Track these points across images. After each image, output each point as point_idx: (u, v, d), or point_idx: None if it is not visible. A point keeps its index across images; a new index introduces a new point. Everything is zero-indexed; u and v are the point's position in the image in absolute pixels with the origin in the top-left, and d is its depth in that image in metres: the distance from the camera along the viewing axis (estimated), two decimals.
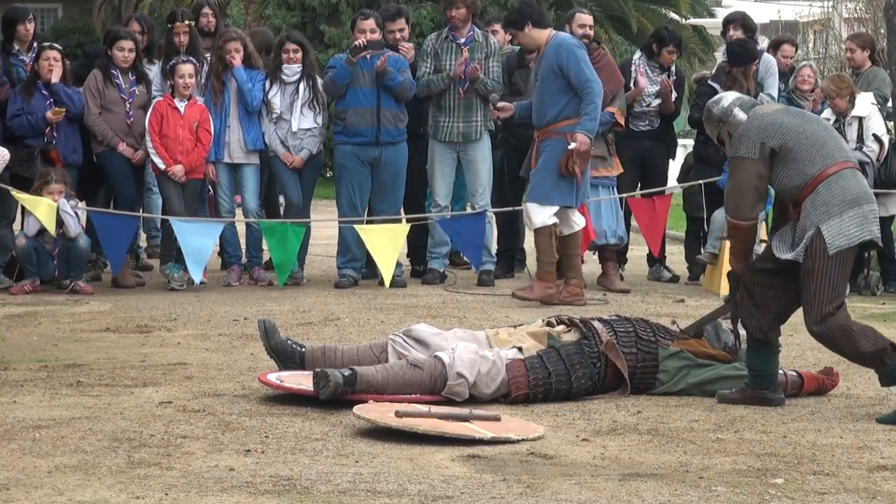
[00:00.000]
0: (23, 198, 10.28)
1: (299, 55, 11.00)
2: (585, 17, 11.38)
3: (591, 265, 11.51)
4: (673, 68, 11.74)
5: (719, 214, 11.16)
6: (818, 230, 6.35)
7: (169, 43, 11.28)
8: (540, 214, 9.97)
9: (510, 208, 11.60)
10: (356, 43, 10.74)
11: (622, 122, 11.12)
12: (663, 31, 12.05)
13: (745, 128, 6.59)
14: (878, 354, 6.35)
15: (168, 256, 10.93)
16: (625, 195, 11.20)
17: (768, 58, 12.00)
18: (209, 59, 11.07)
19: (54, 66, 10.64)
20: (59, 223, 10.37)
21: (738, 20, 12.05)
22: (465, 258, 11.87)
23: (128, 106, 10.87)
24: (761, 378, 6.64)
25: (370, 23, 10.85)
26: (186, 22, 11.22)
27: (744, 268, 6.68)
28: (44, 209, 10.17)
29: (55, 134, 10.67)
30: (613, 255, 11.29)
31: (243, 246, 11.41)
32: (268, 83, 10.97)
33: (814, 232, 6.36)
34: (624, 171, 11.31)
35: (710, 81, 11.69)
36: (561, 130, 9.93)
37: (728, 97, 6.86)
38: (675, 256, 12.75)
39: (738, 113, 6.72)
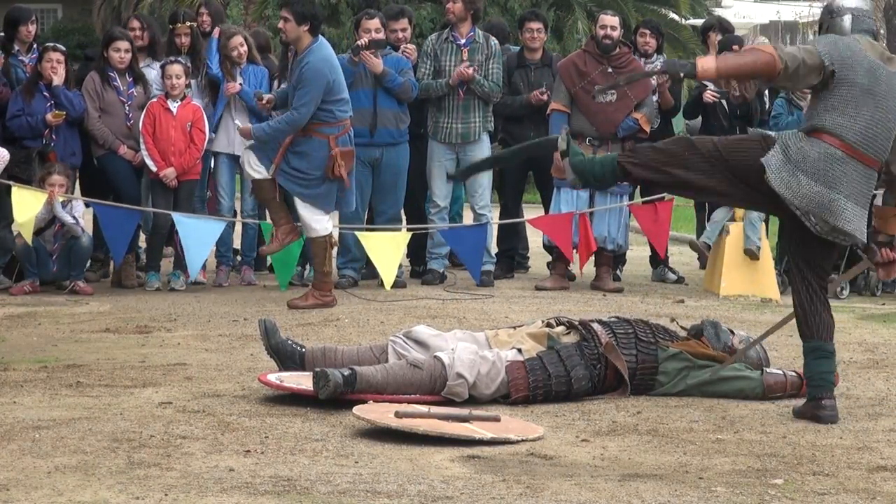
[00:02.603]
0: (16, 194, 10.24)
1: None
2: (608, 19, 11.23)
3: (586, 266, 11.49)
4: (664, 59, 11.77)
5: (719, 214, 11.17)
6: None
7: (171, 43, 11.30)
8: (321, 222, 9.85)
9: (513, 220, 11.62)
10: (358, 42, 10.74)
11: (647, 129, 11.10)
12: (640, 22, 12.29)
13: (835, 38, 6.29)
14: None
15: (153, 266, 10.92)
16: (626, 203, 11.18)
17: None
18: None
19: (57, 68, 10.64)
20: (59, 220, 10.41)
21: (716, 24, 12.24)
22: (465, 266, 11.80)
23: (126, 108, 10.87)
24: (827, 383, 6.35)
25: (375, 22, 10.85)
26: (188, 23, 11.23)
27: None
28: (27, 221, 10.16)
29: (54, 136, 10.67)
30: (609, 259, 11.29)
31: (238, 246, 11.44)
32: (276, 83, 11.00)
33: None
34: None
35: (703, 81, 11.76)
36: (321, 131, 9.70)
37: (849, 2, 6.44)
38: (677, 258, 12.77)
39: (847, 21, 6.37)
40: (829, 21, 6.54)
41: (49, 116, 10.53)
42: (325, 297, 9.82)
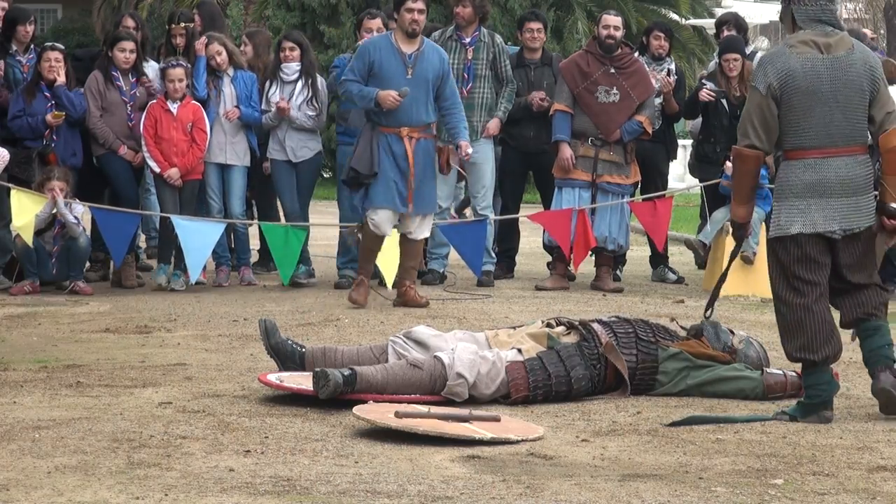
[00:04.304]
0: (15, 197, 10.23)
1: (297, 53, 11.01)
2: (611, 19, 11.20)
3: (585, 266, 11.49)
4: (673, 67, 11.75)
5: (719, 214, 11.17)
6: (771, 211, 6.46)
7: (168, 44, 11.31)
8: (430, 224, 10.00)
9: (513, 216, 11.61)
10: (359, 43, 10.67)
11: (650, 130, 11.10)
12: (651, 23, 12.21)
13: (767, 56, 6.40)
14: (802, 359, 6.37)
15: (164, 258, 10.92)
16: (626, 200, 11.18)
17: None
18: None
19: (56, 67, 10.63)
20: (59, 223, 10.41)
21: (731, 21, 12.16)
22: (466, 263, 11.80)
23: (129, 108, 10.86)
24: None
25: (377, 22, 10.84)
26: (182, 24, 11.23)
27: (745, 221, 6.51)
28: (26, 224, 10.17)
29: (54, 137, 10.66)
30: (609, 259, 11.29)
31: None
32: (267, 83, 11.00)
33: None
34: None
35: (703, 81, 11.72)
36: (430, 131, 9.94)
37: None
38: (677, 258, 12.77)
39: (795, 13, 6.35)
40: (784, 12, 6.49)
41: (49, 117, 10.52)
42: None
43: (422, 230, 9.95)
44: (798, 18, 6.37)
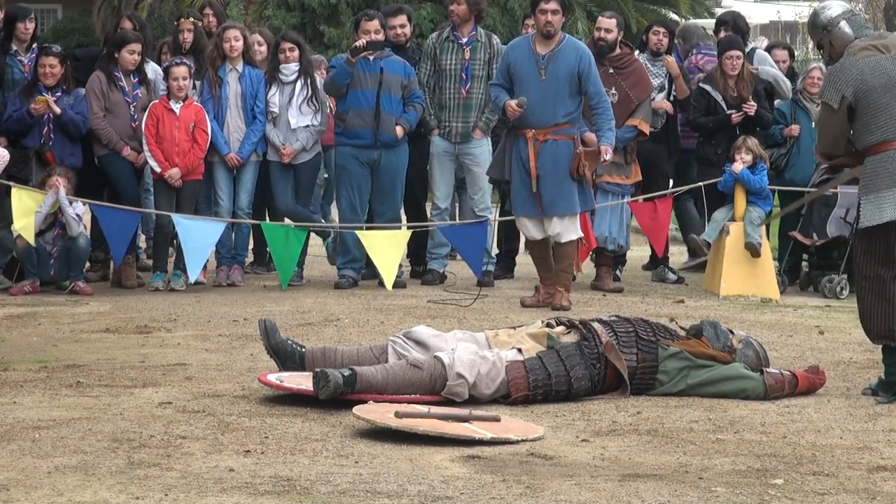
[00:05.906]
0: (16, 196, 10.23)
1: (296, 54, 11.02)
2: (604, 21, 11.21)
3: (585, 266, 11.48)
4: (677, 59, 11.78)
5: (719, 214, 11.16)
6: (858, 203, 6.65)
7: (175, 40, 11.30)
8: (576, 225, 9.96)
9: (513, 217, 11.60)
10: (356, 44, 10.73)
11: (646, 130, 11.08)
12: (653, 21, 12.28)
13: (835, 69, 6.68)
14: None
15: (159, 266, 10.92)
16: (626, 200, 11.17)
17: (761, 53, 12.17)
18: (208, 52, 11.04)
19: (49, 74, 10.60)
20: (60, 224, 10.42)
21: (731, 21, 12.10)
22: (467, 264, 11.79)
23: (132, 109, 10.86)
24: None
25: (374, 24, 10.82)
26: (191, 19, 11.22)
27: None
28: (27, 224, 10.17)
29: (52, 136, 10.65)
30: (609, 259, 11.28)
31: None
32: (270, 87, 11.00)
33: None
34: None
35: (701, 84, 11.68)
36: (566, 132, 9.86)
37: (836, 6, 6.83)
38: (677, 258, 12.76)
39: (845, 27, 6.74)
40: (826, 37, 6.82)
41: (32, 106, 10.47)
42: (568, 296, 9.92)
43: (567, 232, 9.87)
44: (854, 28, 6.73)
